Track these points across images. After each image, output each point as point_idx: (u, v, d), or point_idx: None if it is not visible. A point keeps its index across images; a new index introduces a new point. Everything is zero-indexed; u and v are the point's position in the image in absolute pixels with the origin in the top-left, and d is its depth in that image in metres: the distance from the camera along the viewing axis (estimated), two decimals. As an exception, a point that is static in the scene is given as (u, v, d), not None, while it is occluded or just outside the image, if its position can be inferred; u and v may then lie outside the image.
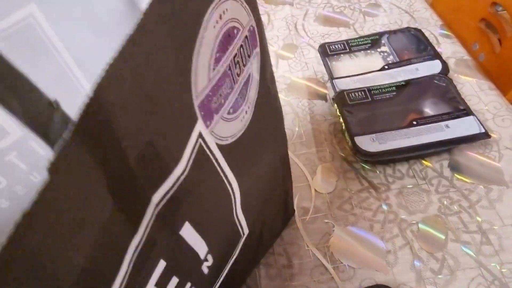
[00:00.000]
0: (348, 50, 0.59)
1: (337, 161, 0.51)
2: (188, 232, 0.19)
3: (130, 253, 0.15)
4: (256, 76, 0.23)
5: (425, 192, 0.47)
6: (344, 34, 0.68)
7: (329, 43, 0.60)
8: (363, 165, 0.50)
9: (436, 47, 0.63)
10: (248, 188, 0.25)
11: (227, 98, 0.20)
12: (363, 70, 0.56)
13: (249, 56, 0.22)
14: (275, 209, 0.37)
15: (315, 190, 0.49)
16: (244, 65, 0.21)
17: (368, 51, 0.59)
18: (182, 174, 0.16)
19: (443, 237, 0.43)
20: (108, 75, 0.12)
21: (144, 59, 0.13)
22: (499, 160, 0.48)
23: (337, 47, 0.59)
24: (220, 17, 0.18)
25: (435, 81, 0.52)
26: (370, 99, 0.51)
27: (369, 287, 0.39)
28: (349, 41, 0.60)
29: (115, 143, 0.13)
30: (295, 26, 0.71)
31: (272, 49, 0.67)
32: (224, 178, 0.21)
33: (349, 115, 0.50)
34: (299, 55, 0.65)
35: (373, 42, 0.59)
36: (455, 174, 0.48)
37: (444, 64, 0.54)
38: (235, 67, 0.20)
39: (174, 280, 0.19)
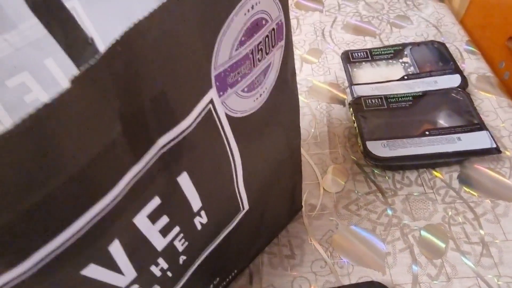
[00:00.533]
0: (370, 58, 0.61)
1: (348, 163, 0.53)
2: (185, 181, 0.21)
3: (128, 177, 0.18)
4: (276, 66, 0.26)
5: (431, 201, 0.48)
6: (369, 43, 0.69)
7: (352, 51, 0.62)
8: (373, 169, 0.52)
9: (460, 62, 0.63)
10: (252, 165, 0.28)
11: (244, 77, 0.22)
12: (383, 79, 0.57)
13: (273, 47, 0.25)
14: (280, 198, 0.40)
15: (324, 189, 0.51)
16: (266, 53, 0.24)
17: (390, 61, 0.61)
18: (187, 128, 0.19)
19: (443, 245, 0.44)
20: (136, 27, 0.15)
21: (172, 24, 0.16)
22: (510, 177, 0.49)
23: (359, 54, 0.61)
24: (252, 7, 0.21)
25: (452, 94, 0.53)
26: (386, 106, 0.53)
27: (364, 283, 0.41)
28: (372, 50, 0.61)
29: (133, 80, 0.16)
30: (322, 32, 0.73)
31: (298, 52, 0.70)
32: (227, 146, 0.23)
33: (364, 120, 0.52)
34: (323, 60, 0.68)
35: (395, 52, 0.61)
36: (464, 187, 0.49)
37: (464, 79, 0.54)
38: (257, 53, 0.23)
39: (164, 219, 0.22)
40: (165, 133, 0.18)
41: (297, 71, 0.66)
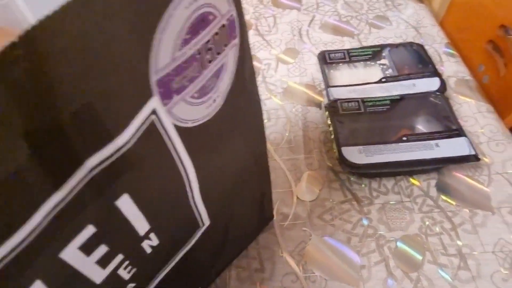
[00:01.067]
0: (347, 59, 0.58)
1: (323, 170, 0.50)
2: (126, 205, 0.18)
3: (47, 208, 0.15)
4: (231, 67, 0.23)
5: (408, 210, 0.46)
6: (347, 43, 0.67)
7: (329, 51, 0.60)
8: (349, 176, 0.49)
9: (439, 65, 0.62)
10: (209, 178, 0.25)
11: (192, 82, 0.19)
12: (360, 81, 0.55)
13: (225, 46, 0.22)
14: (247, 208, 0.37)
15: (297, 197, 0.48)
16: (218, 53, 0.21)
17: (368, 63, 0.58)
18: (125, 145, 0.16)
19: (420, 257, 0.42)
20: (41, 25, 0.12)
21: (95, 20, 0.13)
22: (488, 185, 0.47)
23: (336, 55, 0.59)
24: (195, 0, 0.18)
25: (431, 99, 0.51)
26: (362, 110, 0.50)
27: (336, 300, 0.38)
28: (349, 51, 0.59)
29: (41, 92, 0.13)
30: (299, 31, 0.70)
31: (274, 52, 0.67)
32: (177, 160, 0.20)
33: (340, 125, 0.49)
34: (299, 60, 0.65)
35: (374, 54, 0.59)
36: (441, 195, 0.47)
37: (443, 82, 0.53)
38: (206, 53, 0.20)
39: (102, 249, 0.19)
40: (95, 153, 0.15)
41: (272, 72, 0.63)
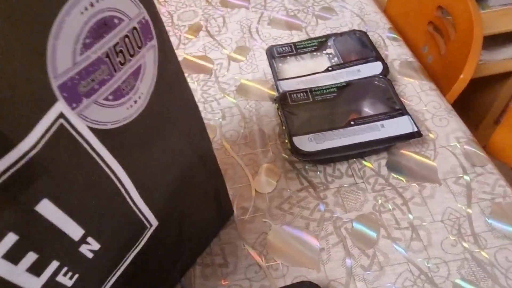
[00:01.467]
0: (295, 52, 0.60)
1: (279, 161, 0.52)
2: (48, 210, 0.19)
3: None
4: (151, 68, 0.24)
5: (361, 191, 0.48)
6: (296, 37, 0.69)
7: (277, 46, 0.61)
8: (305, 165, 0.51)
9: (383, 50, 0.64)
10: (147, 178, 0.26)
11: (104, 84, 0.20)
12: (308, 72, 0.57)
13: (139, 48, 0.22)
14: (201, 207, 0.37)
15: (256, 190, 0.49)
16: (131, 56, 0.22)
17: (314, 53, 0.60)
18: (31, 150, 0.17)
19: (375, 234, 0.44)
20: None
21: None
22: (434, 158, 0.50)
23: (284, 49, 0.60)
24: (92, 5, 0.18)
25: (375, 82, 0.53)
26: (311, 100, 0.52)
27: (294, 284, 0.39)
28: (296, 44, 0.61)
29: None
30: (249, 29, 0.71)
31: (225, 51, 0.68)
32: (101, 162, 0.21)
33: (290, 116, 0.51)
34: (250, 57, 0.66)
35: (319, 44, 0.61)
36: (392, 173, 0.49)
37: (385, 66, 0.55)
38: (116, 56, 0.20)
39: (31, 256, 0.19)
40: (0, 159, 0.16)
41: (224, 71, 0.64)
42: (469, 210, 0.45)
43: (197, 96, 0.61)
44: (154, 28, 0.23)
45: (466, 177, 0.47)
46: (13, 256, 0.18)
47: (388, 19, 0.71)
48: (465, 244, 0.42)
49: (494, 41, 0.99)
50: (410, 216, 0.45)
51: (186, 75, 0.64)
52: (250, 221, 0.46)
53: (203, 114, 0.58)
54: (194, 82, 0.63)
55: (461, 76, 0.55)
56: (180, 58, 0.68)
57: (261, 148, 0.54)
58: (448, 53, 0.63)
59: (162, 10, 0.79)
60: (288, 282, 0.41)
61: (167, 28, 0.74)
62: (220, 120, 0.57)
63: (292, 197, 0.48)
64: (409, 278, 0.40)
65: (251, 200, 0.48)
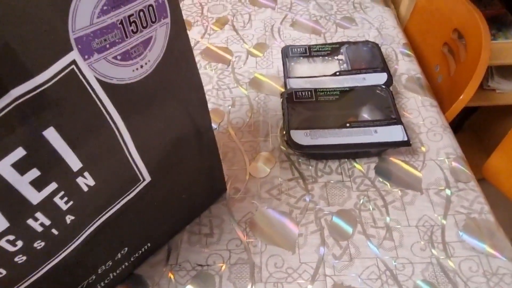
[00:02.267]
0: (308, 54, 0.64)
1: (276, 151, 0.56)
2: (52, 136, 0.23)
3: None
4: (161, 41, 0.28)
5: (347, 188, 0.51)
6: (314, 40, 0.72)
7: (292, 46, 0.65)
8: (299, 158, 0.54)
9: (394, 64, 0.67)
10: (145, 135, 0.30)
11: (114, 46, 0.24)
12: (317, 74, 0.60)
13: (152, 22, 0.27)
14: (194, 177, 0.42)
15: (250, 174, 0.53)
16: (144, 27, 0.26)
17: (326, 58, 0.64)
18: (45, 83, 0.21)
19: (351, 229, 0.47)
20: None
21: None
22: (421, 169, 0.52)
23: (298, 50, 0.64)
24: None
25: (377, 91, 0.56)
26: (314, 99, 0.56)
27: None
28: (311, 46, 0.64)
29: None
30: (271, 28, 0.76)
31: (245, 46, 0.72)
32: (103, 110, 0.25)
33: (293, 111, 0.55)
34: (268, 54, 0.70)
35: (332, 50, 0.64)
36: (379, 177, 0.52)
37: (389, 77, 0.58)
38: (130, 25, 0.25)
39: (34, 172, 0.24)
40: (19, 85, 0.20)
41: (242, 64, 0.69)
42: (444, 221, 0.47)
43: (213, 83, 0.66)
44: (170, 8, 0.28)
45: (448, 191, 0.50)
46: (20, 167, 0.23)
47: (407, 35, 0.74)
48: (433, 251, 0.45)
49: (516, 72, 1.00)
50: (388, 218, 0.48)
51: (206, 62, 0.69)
52: (240, 201, 0.51)
53: (215, 100, 0.63)
54: (212, 69, 0.68)
55: (461, 97, 0.58)
56: (203, 47, 0.72)
57: (262, 138, 0.58)
58: (456, 75, 0.66)
59: (194, 0, 0.84)
60: (264, 259, 0.45)
61: (196, 18, 0.79)
62: (230, 107, 0.62)
63: (282, 185, 0.52)
64: (375, 272, 0.43)
65: (244, 182, 0.52)
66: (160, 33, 0.28)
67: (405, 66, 0.66)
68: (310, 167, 0.53)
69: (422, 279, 0.43)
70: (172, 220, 0.45)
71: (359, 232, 0.47)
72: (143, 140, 0.31)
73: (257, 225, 0.48)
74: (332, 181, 0.52)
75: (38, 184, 0.25)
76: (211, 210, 0.50)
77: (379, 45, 0.64)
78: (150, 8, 0.26)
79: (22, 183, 0.24)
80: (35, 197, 0.25)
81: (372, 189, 0.51)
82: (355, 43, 0.65)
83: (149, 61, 0.28)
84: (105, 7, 0.22)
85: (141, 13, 0.25)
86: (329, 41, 0.71)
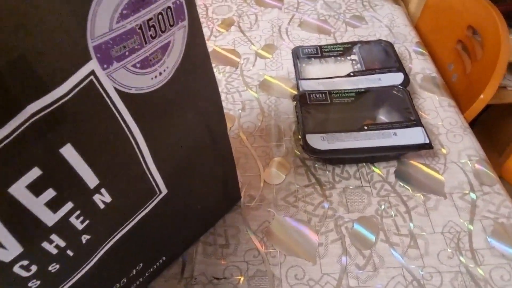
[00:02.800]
0: (319, 55, 0.62)
1: (291, 156, 0.54)
2: (70, 154, 0.21)
3: None
4: (179, 46, 0.26)
5: (366, 194, 0.49)
6: (323, 40, 0.70)
7: (303, 47, 0.63)
8: (315, 163, 0.52)
9: (408, 63, 0.65)
10: (161, 146, 0.28)
11: (134, 53, 0.22)
12: (330, 75, 0.58)
13: (171, 26, 0.25)
14: (208, 185, 0.40)
15: (264, 181, 0.51)
16: (162, 31, 0.24)
17: (339, 58, 0.62)
18: (63, 97, 0.19)
19: (373, 237, 0.45)
20: None
21: None
22: (443, 173, 0.50)
23: (309, 51, 0.62)
24: None
25: (394, 92, 0.54)
26: (329, 101, 0.54)
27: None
28: (322, 47, 0.62)
29: None
30: (279, 28, 0.74)
31: (253, 48, 0.70)
32: (121, 122, 0.23)
33: (307, 114, 0.53)
34: (277, 56, 0.68)
35: (344, 50, 0.62)
36: (399, 181, 0.50)
37: (406, 77, 0.56)
38: (149, 30, 0.23)
39: (50, 192, 0.21)
40: (35, 100, 0.18)
41: (250, 66, 0.67)
42: (471, 226, 0.45)
43: (221, 87, 0.64)
44: (187, 10, 0.26)
45: (473, 194, 0.48)
46: (36, 188, 0.21)
47: (418, 33, 0.72)
48: (461, 258, 0.43)
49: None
50: (411, 225, 0.46)
51: (213, 65, 0.67)
52: (255, 209, 0.49)
53: (224, 104, 0.61)
54: (220, 73, 0.66)
55: (481, 96, 0.56)
56: (210, 49, 0.70)
57: (275, 142, 0.55)
58: (473, 73, 0.64)
59: (198, 2, 0.82)
60: (284, 270, 0.43)
61: (201, 20, 0.77)
62: (240, 111, 0.60)
63: (298, 191, 0.50)
64: (401, 283, 0.41)
65: (259, 190, 0.50)
66: (178, 36, 0.26)
67: (420, 65, 0.64)
68: (327, 172, 0.51)
69: (452, 289, 0.41)
70: (187, 232, 0.43)
71: (382, 240, 0.45)
72: (161, 151, 0.29)
73: (275, 235, 0.46)
74: (351, 187, 0.50)
75: (53, 205, 0.23)
76: (226, 220, 0.48)
77: (392, 44, 0.62)
78: (169, 10, 0.24)
79: (37, 205, 0.22)
80: (50, 218, 0.23)
81: (393, 194, 0.49)
82: (367, 42, 0.63)
83: (167, 67, 0.26)
84: (125, 11, 0.20)
85: (160, 16, 0.23)
86: (339, 41, 0.69)
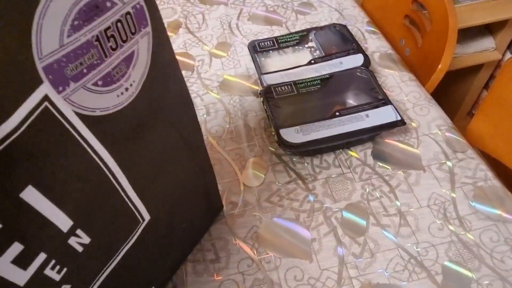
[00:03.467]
0: (277, 46, 0.60)
1: (266, 155, 0.52)
2: (34, 198, 0.18)
3: None
4: (145, 55, 0.23)
5: (349, 180, 0.48)
6: (276, 32, 0.69)
7: (259, 40, 0.61)
8: (292, 157, 0.51)
9: (363, 43, 0.65)
10: (139, 170, 0.25)
11: (93, 69, 0.19)
12: (291, 65, 0.57)
13: (133, 34, 0.21)
14: (191, 201, 0.37)
15: (244, 185, 0.49)
16: (123, 41, 0.21)
17: (296, 47, 0.60)
18: (15, 131, 0.16)
19: (364, 222, 0.44)
20: None
21: None
22: (418, 146, 0.51)
23: (266, 44, 0.60)
24: None
25: (357, 74, 0.53)
26: (296, 92, 0.52)
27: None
28: (278, 38, 0.61)
29: None
30: (229, 25, 0.71)
31: (206, 48, 0.67)
32: (90, 151, 0.20)
33: (276, 109, 0.51)
34: (232, 53, 0.66)
35: (301, 38, 0.61)
36: (378, 162, 0.50)
37: (366, 58, 0.56)
38: (108, 41, 0.20)
39: (16, 247, 0.18)
40: None
41: (207, 67, 0.64)
42: (453, 195, 0.46)
43: (180, 93, 0.60)
44: (149, 14, 0.22)
45: (449, 163, 0.49)
46: None
47: (366, 13, 0.73)
48: (451, 227, 0.43)
49: (464, 35, 1.03)
50: (398, 203, 0.46)
51: (167, 72, 0.64)
52: (240, 215, 0.46)
53: (186, 111, 0.58)
54: (175, 79, 0.62)
55: (439, 66, 0.57)
56: (160, 56, 0.66)
57: (247, 143, 0.53)
58: (425, 45, 0.65)
59: (139, 7, 0.77)
60: (282, 274, 0.41)
61: (145, 26, 0.73)
62: (205, 116, 0.57)
63: (281, 190, 0.48)
64: (399, 263, 0.41)
65: (240, 195, 0.48)
66: (142, 45, 0.23)
67: (374, 44, 0.65)
68: (306, 165, 0.50)
69: (448, 260, 0.41)
70: (174, 254, 0.39)
71: (373, 224, 0.44)
72: (138, 175, 0.26)
73: (265, 239, 0.44)
74: (333, 176, 0.49)
75: (22, 261, 0.19)
76: (211, 232, 0.45)
77: (346, 26, 0.62)
78: (128, 16, 0.21)
79: (2, 265, 0.18)
80: (21, 276, 0.19)
81: (374, 176, 0.48)
82: (322, 27, 0.62)
83: (134, 81, 0.22)
84: (76, 22, 0.17)
85: (119, 24, 0.20)
86: (293, 30, 0.68)
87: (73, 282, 0.23)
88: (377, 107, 0.49)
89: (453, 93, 1.20)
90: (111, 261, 0.27)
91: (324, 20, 0.70)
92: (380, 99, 0.50)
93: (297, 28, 0.69)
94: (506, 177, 0.56)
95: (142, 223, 0.29)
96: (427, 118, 0.53)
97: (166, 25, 0.71)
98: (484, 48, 1.02)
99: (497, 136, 0.59)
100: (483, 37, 1.04)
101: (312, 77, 0.53)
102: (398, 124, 0.48)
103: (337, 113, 0.49)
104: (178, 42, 0.69)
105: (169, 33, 0.70)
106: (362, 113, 0.49)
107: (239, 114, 0.57)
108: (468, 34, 1.04)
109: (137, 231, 0.29)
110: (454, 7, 0.58)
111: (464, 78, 1.13)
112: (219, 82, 0.61)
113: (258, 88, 0.60)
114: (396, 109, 0.49)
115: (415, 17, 0.69)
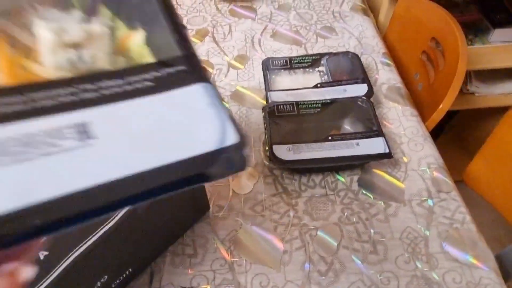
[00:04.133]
0: (289, 66, 0.64)
1: (259, 166, 0.55)
2: None
3: None
4: None
5: (330, 202, 0.51)
6: (294, 51, 0.72)
7: (273, 58, 0.65)
8: (283, 172, 0.54)
9: (374, 73, 0.67)
10: None
11: None
12: (299, 86, 0.60)
13: None
14: (176, 199, 0.41)
15: (233, 191, 0.53)
16: None
17: (307, 69, 0.64)
18: None
19: (336, 243, 0.47)
20: None
21: None
22: (404, 180, 0.52)
23: (279, 62, 0.64)
24: None
25: (358, 103, 0.56)
26: (296, 112, 0.55)
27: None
28: (291, 58, 0.64)
29: None
30: (252, 39, 0.75)
31: (226, 58, 0.72)
32: None
33: (274, 125, 0.54)
34: (249, 66, 0.70)
35: (313, 61, 0.64)
36: (362, 189, 0.52)
37: (370, 88, 0.58)
38: None
39: None
40: None
41: (223, 76, 0.68)
42: (427, 232, 0.47)
43: (194, 97, 0.65)
44: None
45: (430, 201, 0.50)
46: None
47: (386, 43, 0.75)
48: (417, 263, 0.45)
49: (493, 75, 1.02)
50: (372, 231, 0.48)
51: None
52: (224, 218, 0.50)
53: (196, 115, 0.62)
54: (193, 83, 0.67)
55: (440, 106, 0.58)
56: (183, 60, 0.72)
57: (245, 152, 0.57)
58: (436, 83, 0.66)
59: (174, 12, 0.83)
60: (249, 278, 0.45)
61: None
62: (211, 122, 0.61)
63: (265, 201, 0.51)
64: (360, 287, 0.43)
65: (227, 199, 0.52)
66: None
67: (386, 76, 0.67)
68: (294, 181, 0.53)
69: (407, 292, 0.43)
70: (155, 244, 0.44)
71: (344, 247, 0.47)
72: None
73: (242, 243, 0.47)
74: (316, 195, 0.51)
75: None
76: (194, 229, 0.49)
77: (359, 56, 0.64)
78: None
79: None
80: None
81: (355, 202, 0.51)
82: (335, 54, 0.65)
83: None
84: None
85: None
86: (310, 52, 0.71)
87: (50, 251, 0.28)
88: (369, 137, 0.52)
89: (477, 132, 1.18)
90: (85, 240, 0.32)
91: (342, 46, 0.72)
92: (374, 130, 0.53)
93: (315, 50, 0.72)
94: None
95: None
96: (420, 154, 0.55)
97: (194, 32, 0.77)
98: (511, 91, 1.01)
99: (494, 182, 0.59)
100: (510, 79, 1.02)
101: (314, 100, 0.56)
102: (385, 157, 0.50)
103: (330, 138, 0.52)
104: (202, 49, 0.74)
105: (196, 40, 0.76)
106: (353, 141, 0.51)
107: (243, 124, 0.61)
108: (497, 75, 1.02)
109: (115, 216, 0.33)
110: (466, 50, 0.59)
111: (487, 119, 1.11)
112: (231, 91, 0.66)
113: (265, 102, 0.63)
114: (386, 142, 0.51)
115: (431, 54, 0.70)
